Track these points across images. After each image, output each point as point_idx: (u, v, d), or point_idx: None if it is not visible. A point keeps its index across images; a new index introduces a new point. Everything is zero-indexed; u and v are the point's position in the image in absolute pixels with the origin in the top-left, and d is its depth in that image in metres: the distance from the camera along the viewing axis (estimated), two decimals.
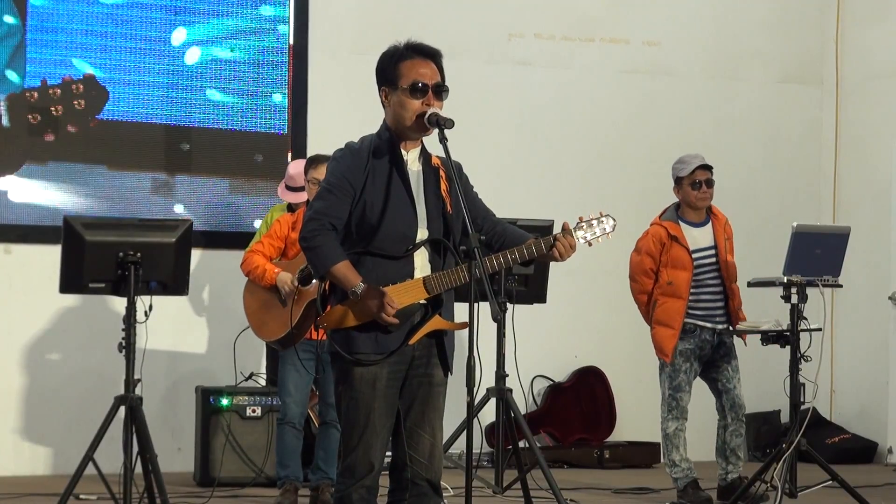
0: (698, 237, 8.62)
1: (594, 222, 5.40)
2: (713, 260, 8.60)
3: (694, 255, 8.55)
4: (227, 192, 10.46)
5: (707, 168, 8.60)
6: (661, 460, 9.00)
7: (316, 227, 5.20)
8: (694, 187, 8.59)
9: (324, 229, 5.20)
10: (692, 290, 8.54)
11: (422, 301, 5.23)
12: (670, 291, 8.53)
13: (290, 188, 9.09)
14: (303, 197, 8.89)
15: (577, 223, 5.39)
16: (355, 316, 5.18)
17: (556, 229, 5.45)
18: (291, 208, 9.08)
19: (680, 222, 8.63)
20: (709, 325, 8.52)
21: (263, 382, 9.84)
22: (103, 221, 8.39)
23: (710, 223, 8.68)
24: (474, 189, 5.45)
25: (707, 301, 8.57)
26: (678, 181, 8.64)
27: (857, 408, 11.87)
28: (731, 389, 8.63)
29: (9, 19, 9.95)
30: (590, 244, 5.42)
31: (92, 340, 10.01)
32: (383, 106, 5.34)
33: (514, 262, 5.29)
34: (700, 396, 8.87)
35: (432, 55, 5.31)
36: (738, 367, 8.68)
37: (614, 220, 5.43)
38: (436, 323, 5.25)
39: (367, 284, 5.13)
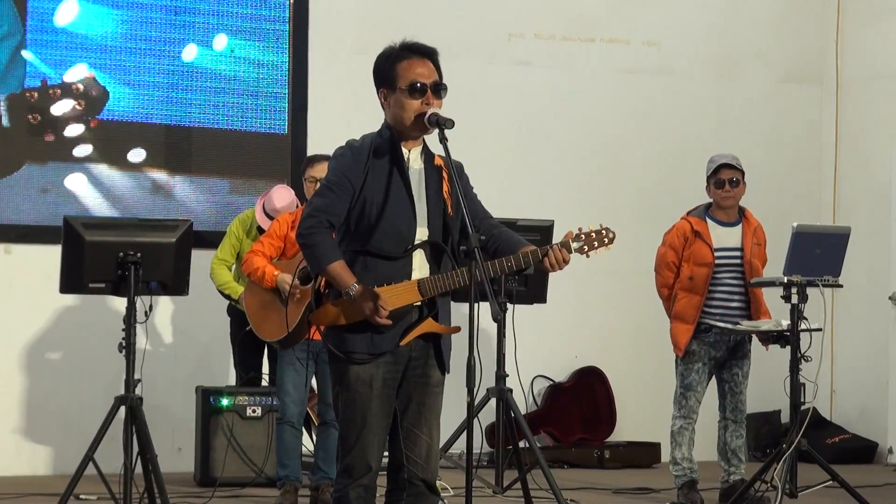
0: (724, 236, 8.60)
1: (593, 234, 5.38)
2: (737, 261, 8.57)
3: (716, 254, 8.53)
4: (227, 192, 10.45)
5: (733, 168, 8.58)
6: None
7: (313, 224, 5.20)
8: (717, 185, 8.58)
9: (321, 227, 5.20)
10: (710, 288, 8.53)
11: (416, 303, 5.23)
12: (689, 286, 8.52)
13: (272, 218, 9.07)
14: None
15: (576, 234, 5.38)
16: (348, 315, 5.19)
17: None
18: (261, 230, 9.09)
19: (707, 220, 8.61)
20: (725, 324, 8.48)
21: (263, 382, 9.83)
22: (103, 221, 8.42)
23: (740, 225, 8.65)
24: (473, 190, 5.45)
25: (723, 300, 8.55)
26: (707, 179, 8.64)
27: (858, 408, 11.86)
28: (737, 393, 8.62)
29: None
30: (587, 256, 5.41)
31: (92, 340, 10.01)
32: (382, 107, 5.34)
33: (507, 269, 5.28)
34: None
35: (428, 54, 5.30)
36: (749, 373, 8.66)
37: (614, 233, 5.42)
38: (428, 326, 5.25)
39: (361, 285, 5.13)
